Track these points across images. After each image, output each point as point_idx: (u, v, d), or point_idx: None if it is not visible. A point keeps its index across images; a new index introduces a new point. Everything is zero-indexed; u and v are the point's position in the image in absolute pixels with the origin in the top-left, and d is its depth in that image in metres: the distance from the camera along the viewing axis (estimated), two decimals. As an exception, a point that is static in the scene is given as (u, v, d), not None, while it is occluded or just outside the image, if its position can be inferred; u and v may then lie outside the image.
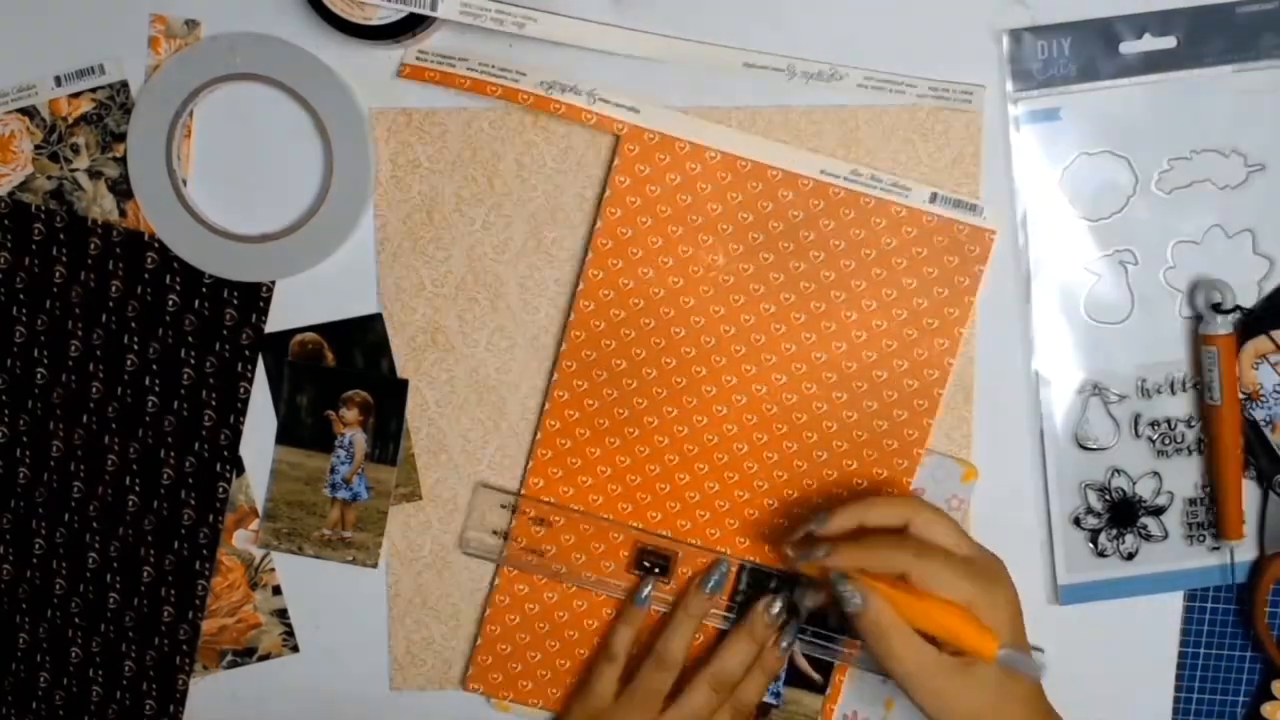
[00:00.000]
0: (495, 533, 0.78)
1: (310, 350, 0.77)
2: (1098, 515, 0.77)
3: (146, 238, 0.76)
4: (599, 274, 0.75)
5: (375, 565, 0.78)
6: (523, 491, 0.77)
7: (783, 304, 0.74)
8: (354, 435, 0.77)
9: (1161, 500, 0.76)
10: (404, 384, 0.77)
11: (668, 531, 0.77)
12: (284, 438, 0.78)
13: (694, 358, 0.75)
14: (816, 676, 0.77)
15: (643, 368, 0.76)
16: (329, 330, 0.77)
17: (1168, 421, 0.76)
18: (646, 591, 0.76)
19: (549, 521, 0.77)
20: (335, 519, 0.78)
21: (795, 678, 0.78)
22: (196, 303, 0.77)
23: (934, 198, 0.73)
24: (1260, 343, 0.75)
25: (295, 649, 0.80)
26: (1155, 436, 0.76)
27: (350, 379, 0.77)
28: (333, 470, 0.78)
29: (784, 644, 0.74)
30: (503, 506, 0.77)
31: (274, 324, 0.77)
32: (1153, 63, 0.73)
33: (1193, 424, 0.76)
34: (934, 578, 0.65)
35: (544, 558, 0.77)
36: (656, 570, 0.77)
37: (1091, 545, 0.77)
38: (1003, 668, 0.64)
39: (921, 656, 0.65)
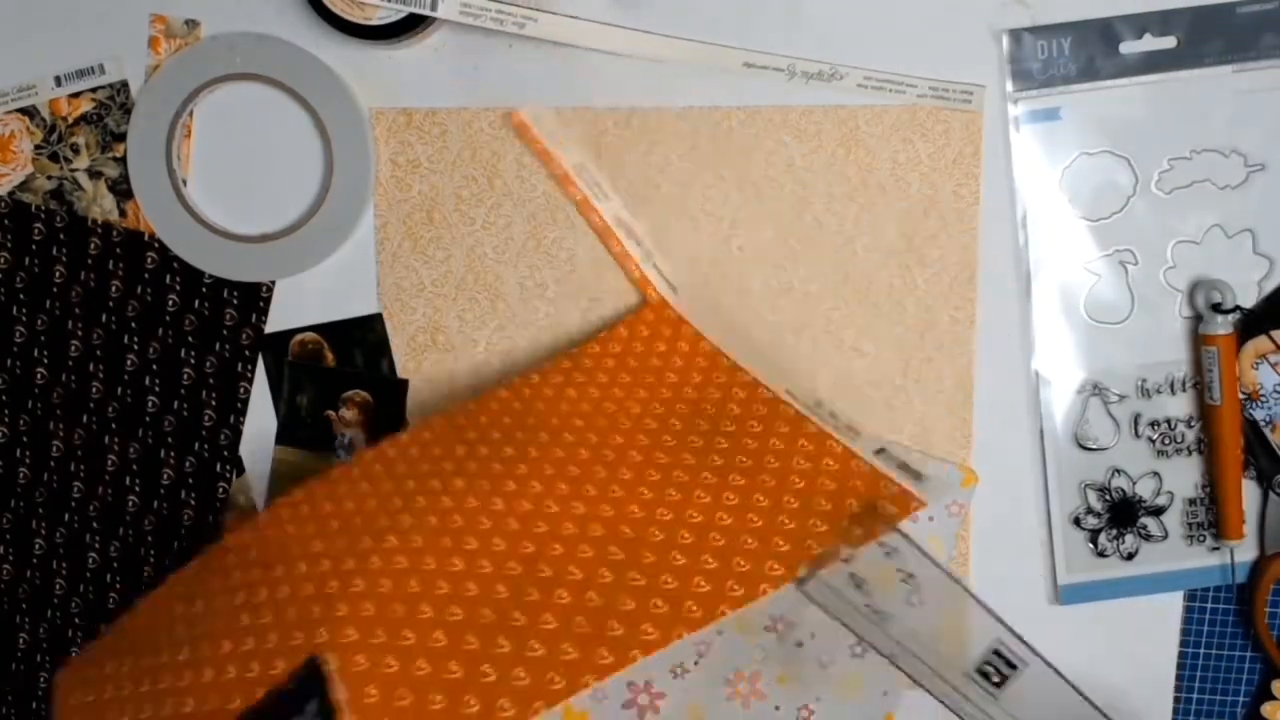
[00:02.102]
0: None
1: (310, 350, 0.77)
2: (1098, 515, 0.77)
3: (146, 238, 0.76)
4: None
5: None
6: None
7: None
8: (354, 435, 0.77)
9: (1161, 500, 0.76)
10: (404, 384, 0.77)
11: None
12: (284, 438, 0.78)
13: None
14: None
15: None
16: (329, 330, 0.77)
17: (1168, 421, 0.76)
18: None
19: None
20: None
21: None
22: (196, 303, 0.77)
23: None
24: (1260, 343, 0.75)
25: (295, 649, 0.80)
26: (1155, 436, 0.76)
27: (350, 379, 0.77)
28: None
29: None
30: None
31: (274, 324, 0.77)
32: (1153, 63, 0.73)
33: (1193, 424, 0.76)
34: None
35: None
36: None
37: (1091, 545, 0.77)
38: None
39: None
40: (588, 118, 0.75)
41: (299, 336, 0.77)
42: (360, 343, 0.77)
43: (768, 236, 0.75)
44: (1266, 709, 0.77)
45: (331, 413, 0.77)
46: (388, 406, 0.77)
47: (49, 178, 0.76)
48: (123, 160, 0.76)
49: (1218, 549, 0.77)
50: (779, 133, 0.74)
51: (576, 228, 0.76)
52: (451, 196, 0.75)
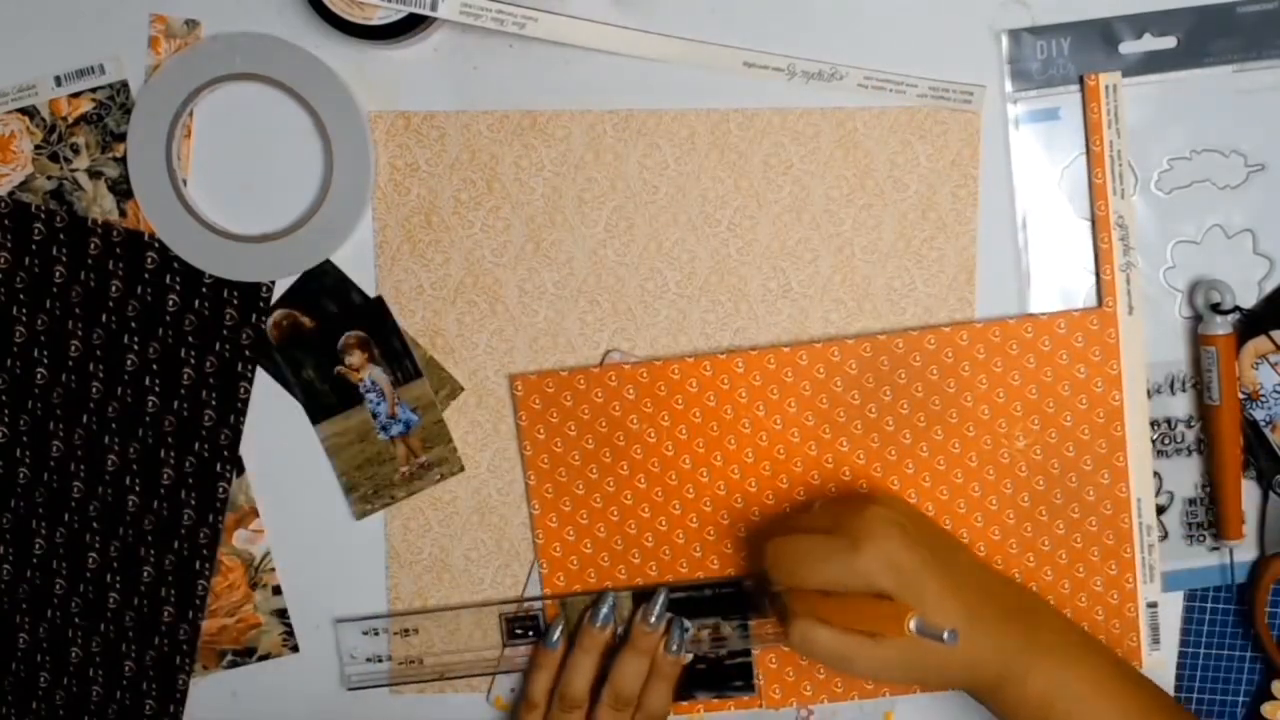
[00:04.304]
0: (371, 659, 0.78)
1: (287, 326, 0.77)
2: (1097, 515, 0.77)
3: (146, 238, 0.76)
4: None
5: (462, 469, 0.78)
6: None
7: None
8: (371, 374, 0.77)
9: (1161, 500, 0.76)
10: (380, 302, 0.76)
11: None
12: (316, 416, 0.77)
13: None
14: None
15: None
16: (290, 298, 0.77)
17: (1168, 421, 0.76)
18: (556, 635, 0.76)
19: (415, 629, 0.78)
20: (404, 454, 0.77)
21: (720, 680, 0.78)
22: (196, 303, 0.77)
23: None
24: (1260, 343, 0.75)
25: (295, 649, 0.80)
26: (1155, 436, 0.76)
27: (334, 327, 0.76)
28: (374, 415, 0.77)
29: (673, 648, 0.74)
30: (365, 633, 0.78)
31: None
32: (1153, 63, 0.73)
33: (1193, 424, 0.76)
34: (807, 578, 0.67)
35: (424, 665, 0.78)
36: (530, 634, 0.77)
37: (1091, 545, 0.77)
38: (920, 636, 0.63)
39: (844, 649, 0.66)
40: (588, 118, 0.75)
41: (272, 320, 0.77)
42: (323, 291, 0.76)
43: (766, 238, 0.75)
44: (1266, 709, 0.77)
45: (340, 368, 0.77)
46: (380, 331, 0.76)
47: (49, 178, 0.76)
48: (123, 160, 0.76)
49: (1217, 549, 0.77)
50: (777, 135, 0.74)
51: (575, 230, 0.75)
52: (450, 200, 0.75)
